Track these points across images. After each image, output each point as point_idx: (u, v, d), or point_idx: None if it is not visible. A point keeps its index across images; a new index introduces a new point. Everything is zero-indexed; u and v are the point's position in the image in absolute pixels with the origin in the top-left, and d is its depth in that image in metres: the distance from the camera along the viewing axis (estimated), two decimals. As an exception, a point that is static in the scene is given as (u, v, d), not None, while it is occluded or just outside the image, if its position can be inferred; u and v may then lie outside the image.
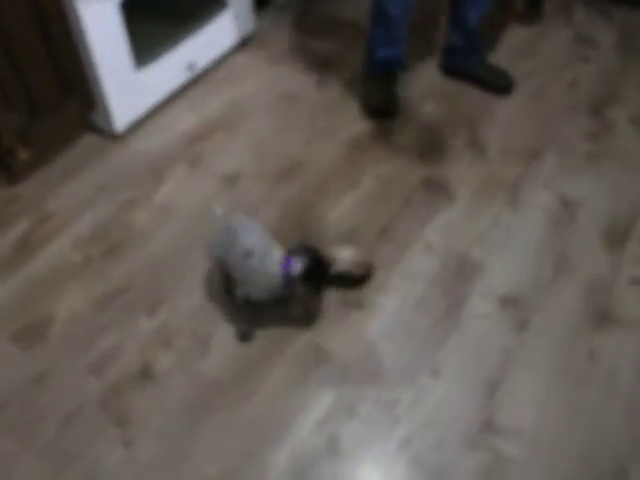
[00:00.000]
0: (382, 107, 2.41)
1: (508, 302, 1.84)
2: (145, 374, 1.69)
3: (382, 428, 1.59)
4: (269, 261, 1.64)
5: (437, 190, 2.15)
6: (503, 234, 2.02)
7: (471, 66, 2.53)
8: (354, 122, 2.39)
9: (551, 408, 1.64)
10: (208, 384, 1.68)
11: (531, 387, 1.68)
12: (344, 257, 1.78)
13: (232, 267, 1.70)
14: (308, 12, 2.95)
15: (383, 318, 1.81)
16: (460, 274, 1.91)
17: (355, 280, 1.85)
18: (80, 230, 2.04)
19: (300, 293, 1.70)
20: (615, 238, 2.02)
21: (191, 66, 2.49)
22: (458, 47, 2.50)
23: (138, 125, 2.37)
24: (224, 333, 1.77)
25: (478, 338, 1.77)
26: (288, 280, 1.63)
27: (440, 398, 1.65)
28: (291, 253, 1.66)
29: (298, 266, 1.61)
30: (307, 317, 1.80)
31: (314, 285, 1.68)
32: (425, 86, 2.55)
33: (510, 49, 2.72)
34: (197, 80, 2.55)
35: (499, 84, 2.49)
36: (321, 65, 2.65)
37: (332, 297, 1.84)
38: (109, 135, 2.32)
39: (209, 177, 2.19)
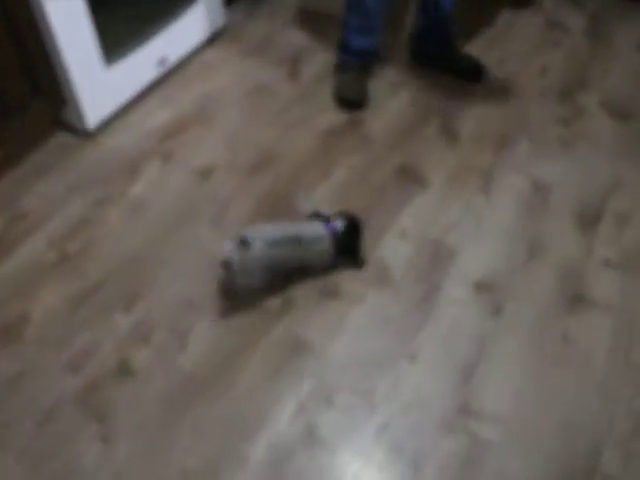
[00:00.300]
0: (352, 98, 2.41)
1: (483, 287, 1.86)
2: (123, 370, 1.69)
3: (360, 416, 1.60)
4: (313, 231, 1.83)
5: (410, 178, 2.16)
6: (477, 219, 2.03)
7: (441, 53, 2.53)
8: (326, 113, 2.39)
9: (527, 391, 1.65)
10: (186, 378, 1.68)
11: (507, 370, 1.69)
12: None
13: (285, 259, 1.80)
14: (279, 4, 2.94)
15: (359, 306, 1.82)
16: (435, 260, 1.92)
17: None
18: (54, 228, 2.03)
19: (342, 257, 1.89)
20: (587, 220, 2.04)
21: (162, 61, 2.47)
22: (428, 34, 2.50)
23: (110, 122, 2.35)
24: (201, 326, 1.77)
25: (454, 323, 1.78)
26: (335, 236, 1.83)
27: (417, 384, 1.66)
28: (328, 220, 1.87)
29: (339, 224, 1.85)
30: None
31: (354, 242, 1.90)
32: (396, 75, 2.56)
33: (481, 36, 2.73)
34: (169, 75, 2.54)
35: (470, 71, 2.50)
36: (293, 57, 2.64)
37: (308, 287, 1.85)
38: (81, 133, 2.30)
39: (183, 172, 2.19)
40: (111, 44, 2.24)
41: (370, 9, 2.30)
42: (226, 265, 1.74)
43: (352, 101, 2.40)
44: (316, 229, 1.84)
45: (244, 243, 1.70)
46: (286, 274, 1.86)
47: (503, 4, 2.91)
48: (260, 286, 1.82)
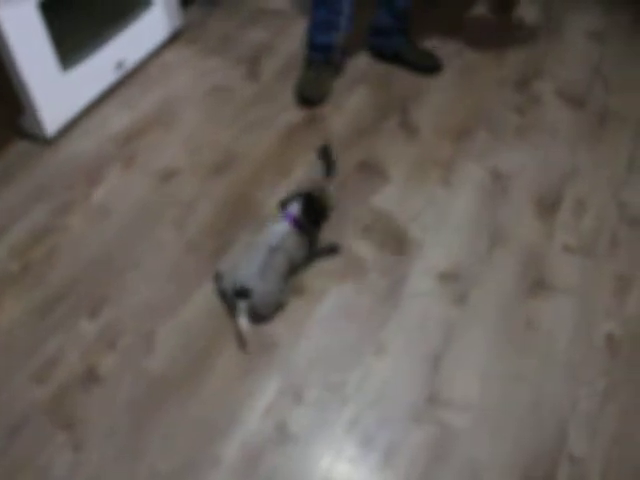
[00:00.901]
0: (310, 94, 2.42)
1: (447, 277, 1.89)
2: (90, 377, 1.68)
3: (330, 411, 1.62)
4: (278, 231, 1.81)
5: (372, 172, 2.17)
6: (439, 211, 2.06)
7: (398, 48, 2.55)
8: (286, 111, 2.40)
9: (493, 377, 1.68)
10: (155, 381, 1.67)
11: (473, 358, 1.72)
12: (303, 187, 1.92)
13: (281, 270, 1.79)
14: (236, 4, 2.94)
15: (325, 301, 1.83)
16: (399, 253, 1.94)
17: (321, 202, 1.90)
18: (16, 237, 2.01)
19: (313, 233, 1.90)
20: (547, 207, 2.08)
21: (120, 65, 2.46)
22: (385, 28, 2.52)
23: (70, 127, 2.33)
24: (168, 329, 1.77)
25: (420, 314, 1.80)
26: (296, 223, 1.82)
27: (386, 376, 1.68)
28: (284, 206, 1.88)
29: (296, 207, 1.84)
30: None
31: (315, 218, 1.88)
32: (355, 70, 2.57)
33: (436, 29, 2.76)
34: (127, 78, 2.53)
35: (427, 64, 2.52)
36: (251, 56, 2.64)
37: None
38: (40, 139, 2.28)
39: (144, 175, 2.18)
40: (67, 49, 2.22)
41: (334, 4, 2.31)
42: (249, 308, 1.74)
43: (309, 98, 2.41)
44: (280, 227, 1.82)
45: (243, 291, 1.72)
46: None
47: (470, 5, 2.96)
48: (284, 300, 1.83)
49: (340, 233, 1.98)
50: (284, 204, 1.90)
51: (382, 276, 1.88)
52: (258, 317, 1.77)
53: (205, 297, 1.83)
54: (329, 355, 1.72)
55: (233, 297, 1.74)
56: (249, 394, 1.64)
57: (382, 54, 2.59)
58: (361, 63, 2.60)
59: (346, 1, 2.30)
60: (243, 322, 1.71)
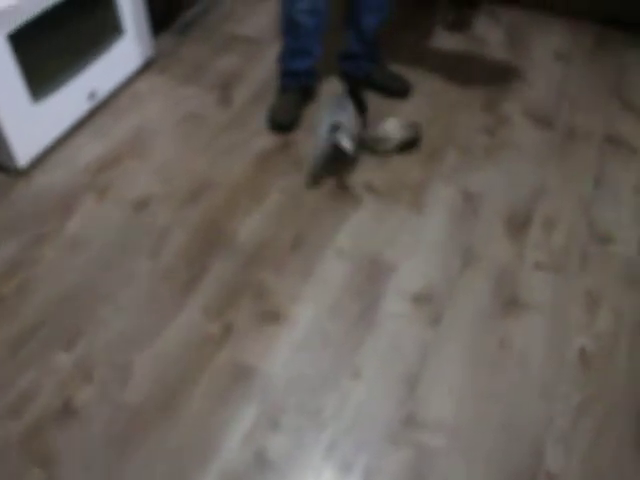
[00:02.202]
0: (281, 120, 2.45)
1: (421, 299, 1.90)
2: (66, 410, 1.67)
3: (308, 436, 1.62)
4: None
5: (344, 197, 2.20)
6: (411, 233, 2.08)
7: (368, 72, 2.59)
8: (259, 137, 2.42)
9: (469, 397, 1.70)
10: (132, 412, 1.67)
11: (449, 378, 1.73)
12: (390, 129, 2.31)
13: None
14: (207, 31, 2.97)
15: (300, 328, 1.84)
16: (372, 277, 1.96)
17: (411, 142, 2.33)
18: (-11, 271, 2.00)
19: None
20: (517, 226, 2.12)
21: (92, 95, 2.47)
22: (355, 53, 2.56)
23: (42, 159, 2.33)
24: (143, 360, 1.76)
25: (394, 337, 1.82)
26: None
27: (362, 400, 1.69)
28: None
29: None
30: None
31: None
32: (326, 95, 2.60)
33: (405, 53, 2.80)
34: (100, 108, 2.54)
35: (396, 88, 2.57)
36: (223, 83, 2.67)
37: (248, 311, 1.86)
38: (12, 171, 2.27)
39: (118, 205, 2.18)
40: (38, 80, 2.23)
41: (303, 28, 2.33)
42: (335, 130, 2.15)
43: (281, 123, 2.44)
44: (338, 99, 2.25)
45: (337, 125, 2.13)
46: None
47: (436, 27, 3.01)
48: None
49: (314, 258, 2.00)
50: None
51: (356, 300, 1.90)
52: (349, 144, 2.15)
53: (181, 327, 1.84)
54: (305, 380, 1.72)
55: (331, 134, 2.14)
56: (227, 422, 1.64)
57: (352, 78, 2.62)
58: (332, 88, 2.64)
59: (315, 28, 2.34)
60: (347, 144, 2.13)
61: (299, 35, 2.35)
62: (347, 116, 2.19)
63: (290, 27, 2.35)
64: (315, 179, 2.25)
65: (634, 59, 2.87)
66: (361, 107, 2.28)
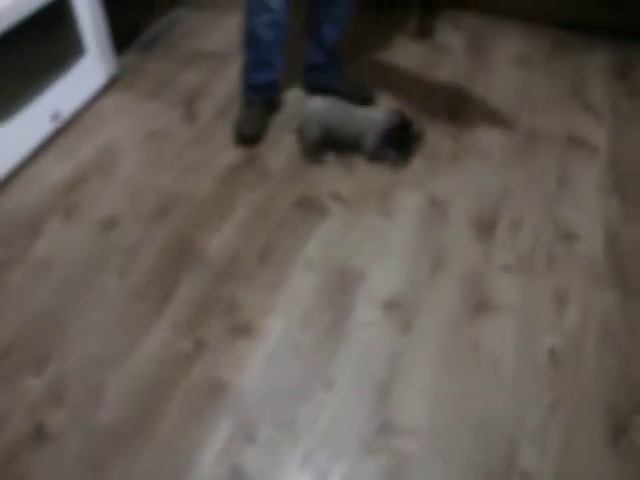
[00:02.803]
0: (247, 133, 2.45)
1: (391, 306, 1.92)
2: (38, 435, 1.65)
3: (283, 449, 1.62)
4: (367, 112, 2.38)
5: (312, 207, 2.21)
6: (379, 241, 2.10)
7: (332, 82, 2.62)
8: (225, 151, 2.43)
9: (442, 401, 1.71)
10: (106, 434, 1.65)
11: (422, 384, 1.75)
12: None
13: (336, 123, 2.33)
14: (170, 47, 2.97)
15: (272, 340, 1.84)
16: (343, 286, 1.97)
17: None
18: (-45, 298, 1.98)
19: (388, 152, 2.36)
20: (484, 229, 2.14)
21: (56, 115, 2.46)
22: (317, 64, 2.59)
23: (7, 181, 2.31)
24: (116, 380, 1.75)
25: (366, 345, 1.83)
26: (389, 125, 2.31)
27: (336, 409, 1.69)
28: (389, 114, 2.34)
29: (396, 119, 2.31)
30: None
31: (404, 138, 2.36)
32: (291, 107, 2.62)
33: (369, 61, 2.83)
34: (65, 128, 2.52)
35: (360, 96, 2.58)
36: (188, 98, 2.68)
37: (219, 326, 1.86)
38: (-23, 195, 2.26)
39: (86, 225, 2.17)
40: (0, 102, 2.21)
41: (264, 42, 2.35)
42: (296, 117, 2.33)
43: (247, 137, 2.45)
44: (372, 113, 2.36)
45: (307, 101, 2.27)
46: (338, 145, 2.36)
47: (397, 35, 3.04)
48: (319, 143, 2.32)
49: (283, 269, 2.01)
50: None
51: (327, 310, 1.90)
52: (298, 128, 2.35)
53: (153, 345, 1.83)
54: (278, 393, 1.72)
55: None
56: (202, 438, 1.64)
57: (315, 89, 2.64)
58: (296, 99, 2.66)
59: (275, 40, 2.35)
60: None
61: (260, 48, 2.37)
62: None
63: (251, 41, 2.37)
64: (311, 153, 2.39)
65: (591, 60, 2.93)
66: (405, 154, 2.38)
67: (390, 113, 2.33)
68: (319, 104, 2.33)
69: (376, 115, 2.35)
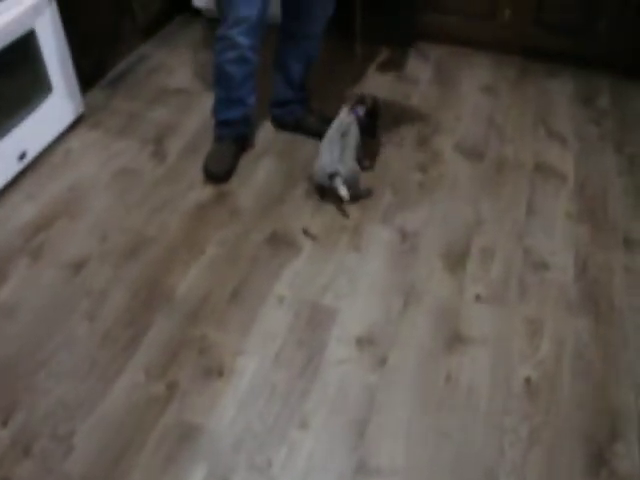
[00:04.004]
0: (216, 171, 2.45)
1: (364, 342, 1.90)
2: (5, 489, 1.61)
3: (258, 492, 1.59)
4: (346, 120, 2.38)
5: (282, 244, 2.20)
6: (350, 276, 2.09)
7: (299, 117, 2.63)
8: (194, 189, 2.42)
9: (418, 437, 1.69)
10: (76, 485, 1.61)
11: (397, 420, 1.73)
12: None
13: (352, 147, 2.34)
14: (137, 85, 2.96)
15: (245, 381, 1.81)
16: (314, 323, 1.95)
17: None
18: None
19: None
20: (455, 260, 2.15)
21: (23, 155, 2.43)
22: (284, 100, 2.60)
23: (-27, 223, 2.28)
24: (86, 427, 1.71)
25: (341, 383, 1.81)
26: (360, 120, 2.39)
27: (312, 449, 1.67)
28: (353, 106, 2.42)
29: (360, 110, 2.41)
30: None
31: (372, 122, 2.50)
32: (260, 143, 2.62)
33: (336, 96, 2.85)
34: (32, 168, 2.49)
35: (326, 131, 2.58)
36: (156, 136, 2.66)
37: (192, 368, 1.83)
38: (-59, 239, 2.21)
39: (54, 267, 2.13)
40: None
41: (233, 79, 2.35)
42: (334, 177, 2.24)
43: (215, 174, 2.44)
44: (347, 119, 2.37)
45: (334, 174, 2.22)
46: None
47: (365, 67, 3.07)
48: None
49: (255, 308, 1.99)
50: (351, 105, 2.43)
51: (300, 348, 1.88)
52: (352, 189, 2.25)
53: (123, 389, 1.79)
54: (253, 435, 1.69)
55: (328, 181, 2.24)
56: (175, 486, 1.60)
57: (284, 124, 2.65)
58: (265, 135, 2.66)
59: (244, 77, 2.36)
60: (343, 192, 2.21)
61: (229, 85, 2.37)
62: (346, 155, 2.30)
63: (220, 77, 2.38)
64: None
65: (555, 87, 2.98)
66: (372, 133, 2.52)
67: (355, 110, 2.41)
68: (328, 157, 2.28)
69: (350, 120, 2.39)
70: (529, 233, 2.25)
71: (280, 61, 2.52)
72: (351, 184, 2.26)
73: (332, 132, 2.33)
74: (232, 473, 1.62)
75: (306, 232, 2.22)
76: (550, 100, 2.90)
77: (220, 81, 2.39)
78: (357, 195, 2.32)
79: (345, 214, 2.30)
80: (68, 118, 2.64)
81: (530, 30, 3.03)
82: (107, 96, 2.89)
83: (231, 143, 2.51)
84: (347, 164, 2.26)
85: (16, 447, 1.67)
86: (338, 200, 2.29)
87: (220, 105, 2.46)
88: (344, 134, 2.31)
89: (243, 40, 2.24)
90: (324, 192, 2.35)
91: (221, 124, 2.50)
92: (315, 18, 2.39)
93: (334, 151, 2.27)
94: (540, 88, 2.98)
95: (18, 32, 2.28)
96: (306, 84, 2.58)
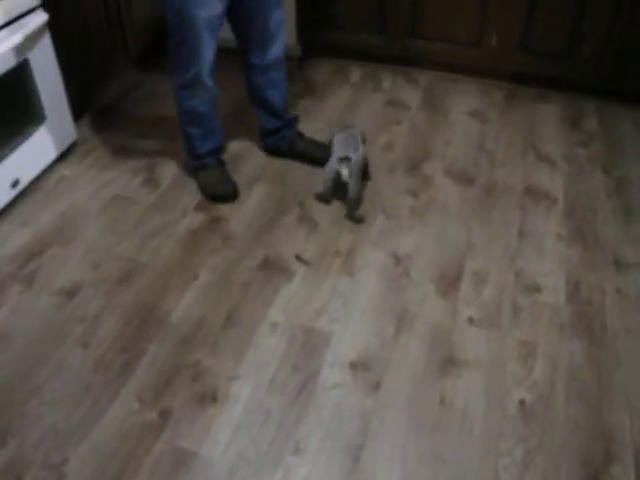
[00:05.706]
0: (225, 191, 2.48)
1: (358, 366, 1.90)
2: (-4, 520, 1.59)
3: (253, 519, 1.58)
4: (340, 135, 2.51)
5: (275, 269, 2.21)
6: (344, 301, 2.10)
7: (289, 143, 2.65)
8: (185, 215, 2.43)
9: (414, 461, 1.69)
10: (68, 514, 1.60)
11: (392, 445, 1.72)
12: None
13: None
14: (129, 114, 2.99)
15: (239, 407, 1.80)
16: (308, 348, 1.95)
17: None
18: None
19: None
20: (448, 284, 2.15)
21: (15, 183, 2.44)
22: (272, 129, 2.62)
23: (-35, 252, 2.28)
24: (79, 455, 1.70)
25: (335, 408, 1.80)
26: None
27: (307, 475, 1.66)
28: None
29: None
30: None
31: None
32: (251, 170, 2.65)
33: (326, 120, 2.88)
34: (24, 196, 2.50)
35: (318, 156, 2.59)
36: (148, 164, 2.68)
37: (185, 394, 1.83)
38: None
39: (46, 294, 2.13)
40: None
41: (205, 115, 2.39)
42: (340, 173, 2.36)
43: (228, 194, 2.47)
44: (345, 133, 2.50)
45: (345, 159, 2.33)
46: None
47: (355, 92, 3.10)
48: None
49: (248, 334, 1.99)
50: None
51: (294, 373, 1.88)
52: (354, 175, 2.35)
53: (117, 416, 1.78)
54: (248, 461, 1.68)
55: (337, 165, 2.35)
56: (168, 514, 1.59)
57: (277, 151, 2.68)
58: (257, 161, 2.68)
59: (214, 107, 2.41)
60: (345, 172, 2.33)
61: (204, 121, 2.42)
62: (355, 151, 2.41)
63: (194, 119, 2.41)
64: (323, 199, 2.48)
65: (543, 111, 3.03)
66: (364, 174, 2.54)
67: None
68: (342, 146, 2.42)
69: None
70: (520, 256, 2.26)
71: (256, 96, 2.54)
72: (355, 171, 2.37)
73: (342, 134, 2.48)
74: (226, 500, 1.61)
75: (299, 258, 2.23)
76: (538, 124, 2.94)
77: (194, 122, 2.42)
78: (359, 186, 2.41)
79: (353, 217, 2.39)
80: (61, 146, 2.66)
81: (517, 56, 3.08)
82: (100, 124, 2.91)
83: (217, 165, 2.54)
84: (358, 152, 2.39)
85: (7, 476, 1.66)
86: (345, 203, 2.41)
87: (198, 141, 2.48)
88: (353, 137, 2.46)
89: (209, 81, 2.30)
90: (328, 199, 2.45)
91: (202, 156, 2.51)
92: (273, 41, 2.38)
93: (349, 144, 2.42)
94: (528, 112, 3.02)
95: (12, 62, 2.30)
96: (287, 109, 2.62)
